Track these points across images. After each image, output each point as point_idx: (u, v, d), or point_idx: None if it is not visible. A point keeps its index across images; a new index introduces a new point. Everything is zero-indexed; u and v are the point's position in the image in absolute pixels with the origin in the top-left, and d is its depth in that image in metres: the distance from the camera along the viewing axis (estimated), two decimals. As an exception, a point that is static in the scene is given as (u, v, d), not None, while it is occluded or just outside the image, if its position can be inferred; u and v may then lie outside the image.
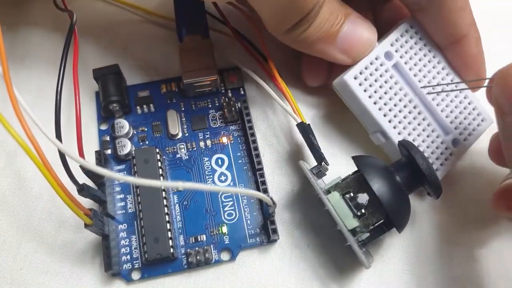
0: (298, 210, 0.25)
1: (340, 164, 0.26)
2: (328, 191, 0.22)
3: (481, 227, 0.25)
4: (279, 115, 0.28)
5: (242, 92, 0.28)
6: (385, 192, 0.21)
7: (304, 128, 0.24)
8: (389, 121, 0.24)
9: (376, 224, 0.22)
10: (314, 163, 0.24)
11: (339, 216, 0.21)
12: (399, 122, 0.24)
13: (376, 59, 0.24)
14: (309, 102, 0.28)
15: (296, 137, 0.27)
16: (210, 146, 0.26)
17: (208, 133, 0.27)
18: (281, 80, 0.26)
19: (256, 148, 0.25)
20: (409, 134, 0.25)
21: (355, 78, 0.24)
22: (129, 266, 0.23)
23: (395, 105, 0.24)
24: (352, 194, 0.22)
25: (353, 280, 0.24)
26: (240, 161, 0.26)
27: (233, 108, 0.27)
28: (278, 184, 0.26)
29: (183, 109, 0.27)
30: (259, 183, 0.25)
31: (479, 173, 0.27)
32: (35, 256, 0.24)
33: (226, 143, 0.26)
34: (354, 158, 0.23)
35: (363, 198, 0.22)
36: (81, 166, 0.22)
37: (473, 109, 0.25)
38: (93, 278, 0.23)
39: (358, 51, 0.24)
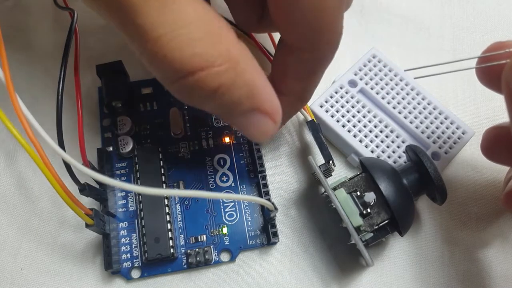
0: (299, 211, 0.25)
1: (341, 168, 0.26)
2: (334, 189, 0.22)
3: (482, 227, 0.25)
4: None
5: (246, 92, 0.28)
6: (392, 192, 0.22)
7: (315, 127, 0.25)
8: (360, 141, 0.25)
9: (381, 225, 0.22)
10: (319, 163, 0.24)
11: (346, 213, 0.21)
12: (371, 141, 0.25)
13: (341, 88, 0.26)
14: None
15: (299, 137, 0.27)
16: (212, 146, 0.26)
17: (211, 132, 0.26)
18: None
19: (258, 150, 0.25)
20: (383, 152, 0.25)
21: (321, 106, 0.26)
22: (129, 265, 0.24)
23: (364, 126, 0.26)
24: (359, 193, 0.22)
25: (354, 281, 0.24)
26: (242, 161, 0.26)
27: (236, 108, 0.26)
28: (280, 185, 0.26)
29: (186, 107, 0.27)
30: (261, 185, 0.25)
31: (479, 172, 0.27)
32: (35, 256, 0.24)
33: (229, 143, 0.26)
34: (362, 159, 0.23)
35: (369, 197, 0.22)
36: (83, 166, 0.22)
37: (451, 123, 0.26)
38: (93, 277, 0.24)
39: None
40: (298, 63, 0.20)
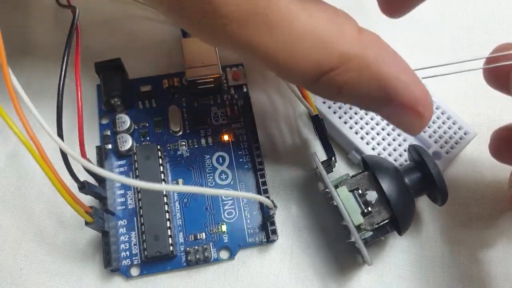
0: (298, 210, 0.25)
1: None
2: (336, 186, 0.22)
3: (482, 227, 0.25)
4: (282, 113, 0.28)
5: (245, 90, 0.28)
6: (394, 192, 0.22)
7: (319, 122, 0.25)
8: (361, 138, 0.25)
9: (381, 224, 0.22)
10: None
11: (347, 211, 0.21)
12: (372, 139, 0.25)
13: None
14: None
15: (299, 135, 0.27)
16: (211, 144, 0.26)
17: (210, 130, 0.26)
18: None
19: (258, 148, 0.25)
20: (384, 149, 0.25)
21: (323, 102, 0.26)
22: (128, 262, 0.24)
23: (366, 123, 0.26)
24: (360, 192, 0.22)
25: (354, 280, 0.24)
26: (241, 159, 0.26)
27: (235, 106, 0.27)
28: (279, 183, 0.26)
29: (185, 105, 0.27)
30: (260, 183, 0.25)
31: (480, 172, 0.27)
32: (35, 256, 0.24)
33: (228, 141, 0.26)
34: (365, 157, 0.23)
35: (371, 195, 0.22)
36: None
37: (453, 123, 0.26)
38: (93, 275, 0.24)
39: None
40: None
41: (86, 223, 0.21)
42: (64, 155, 0.20)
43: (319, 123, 0.24)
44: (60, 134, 0.20)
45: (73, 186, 0.20)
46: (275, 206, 0.22)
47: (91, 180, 0.24)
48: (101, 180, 0.24)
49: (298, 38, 0.16)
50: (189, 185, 0.25)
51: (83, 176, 0.22)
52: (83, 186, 0.21)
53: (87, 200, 0.24)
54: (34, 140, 0.17)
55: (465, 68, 0.21)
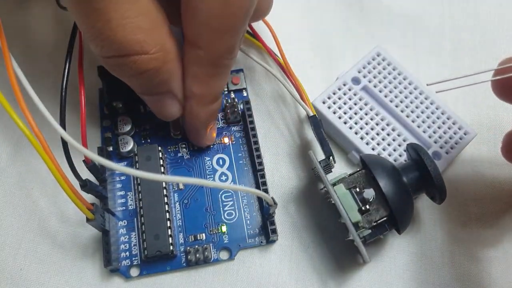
0: (298, 211, 0.25)
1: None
2: (334, 184, 0.23)
3: (482, 227, 0.25)
4: (281, 115, 0.28)
5: (245, 94, 0.28)
6: (391, 189, 0.22)
7: (316, 122, 0.25)
8: (361, 138, 0.26)
9: (379, 221, 0.22)
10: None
11: (344, 208, 0.22)
12: (372, 139, 0.26)
13: (344, 84, 0.27)
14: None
15: (299, 134, 0.27)
16: (211, 146, 0.26)
17: (210, 133, 0.27)
18: (295, 75, 0.26)
19: (257, 149, 0.26)
20: (384, 150, 0.26)
21: (323, 102, 0.26)
22: (128, 263, 0.24)
23: (366, 123, 0.26)
24: (358, 190, 0.22)
25: (354, 280, 0.24)
26: (241, 161, 0.26)
27: (235, 109, 0.27)
28: (279, 185, 0.26)
29: (185, 108, 0.27)
30: (260, 184, 0.25)
31: (480, 172, 0.27)
32: (35, 256, 0.24)
33: (228, 143, 0.27)
34: (363, 156, 0.24)
35: (369, 193, 0.22)
36: (84, 162, 0.22)
37: (453, 124, 0.26)
38: (93, 275, 0.24)
39: None
40: (195, 61, 0.21)
41: (87, 220, 0.21)
42: (67, 154, 0.21)
43: (316, 123, 0.25)
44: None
45: (75, 185, 0.20)
46: (275, 203, 0.22)
47: (93, 179, 0.24)
48: (102, 180, 0.24)
49: (139, 14, 0.18)
50: (188, 177, 0.25)
51: (85, 175, 0.22)
52: (85, 184, 0.22)
53: (88, 199, 0.24)
54: (37, 134, 0.18)
55: (472, 77, 0.21)
